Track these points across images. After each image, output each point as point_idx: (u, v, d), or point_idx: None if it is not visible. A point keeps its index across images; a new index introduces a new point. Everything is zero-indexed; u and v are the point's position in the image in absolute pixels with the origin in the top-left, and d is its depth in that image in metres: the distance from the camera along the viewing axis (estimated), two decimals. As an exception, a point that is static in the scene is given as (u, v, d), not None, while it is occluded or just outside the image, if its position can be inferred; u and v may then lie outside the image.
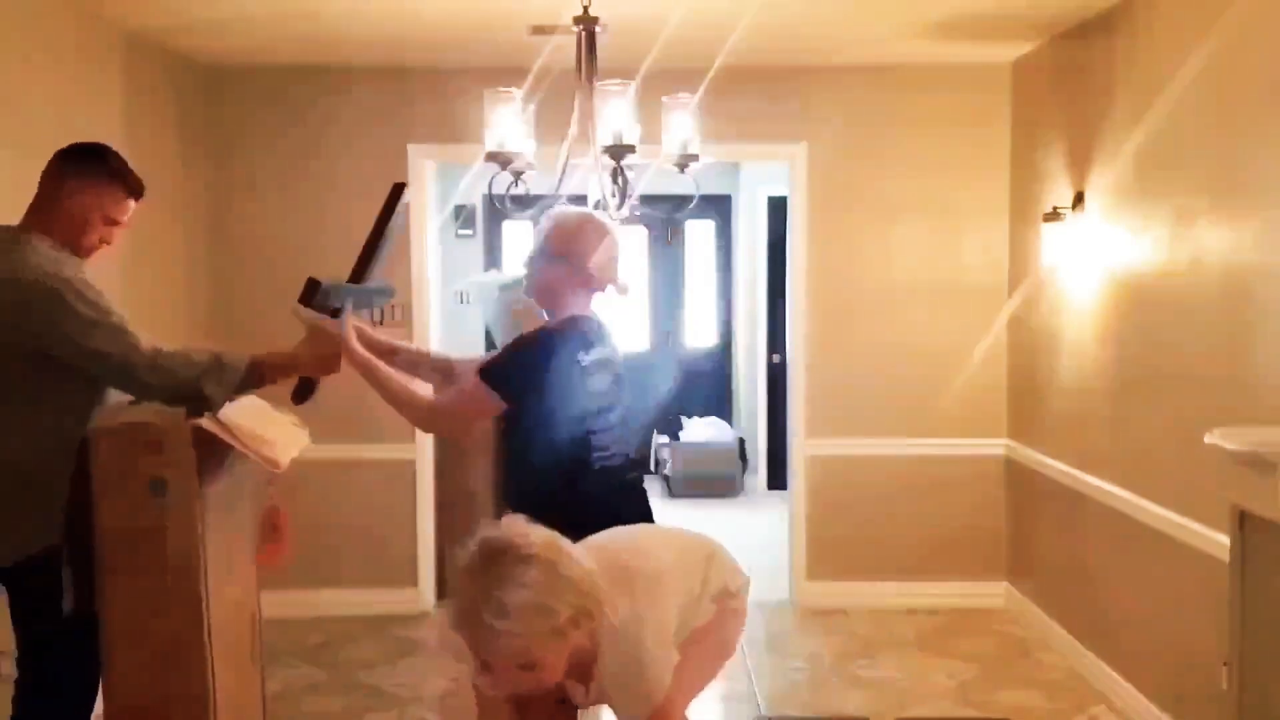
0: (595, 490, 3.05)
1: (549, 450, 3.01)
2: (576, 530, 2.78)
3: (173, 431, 2.61)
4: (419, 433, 5.65)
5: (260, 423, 2.93)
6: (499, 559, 2.03)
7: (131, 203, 3.01)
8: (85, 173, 2.94)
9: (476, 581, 2.03)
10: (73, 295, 2.76)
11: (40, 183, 2.97)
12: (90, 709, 2.94)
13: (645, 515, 3.12)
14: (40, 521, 2.78)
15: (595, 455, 3.04)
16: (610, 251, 3.09)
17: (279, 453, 2.80)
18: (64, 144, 4.18)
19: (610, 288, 3.15)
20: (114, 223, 2.98)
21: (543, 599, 2.02)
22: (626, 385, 3.16)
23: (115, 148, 3.06)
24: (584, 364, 3.01)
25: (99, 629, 2.74)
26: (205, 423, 2.63)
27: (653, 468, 8.96)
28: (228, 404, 2.89)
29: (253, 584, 3.13)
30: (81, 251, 2.95)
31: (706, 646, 2.49)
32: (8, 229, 2.91)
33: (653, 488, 8.49)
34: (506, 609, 1.99)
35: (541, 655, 2.05)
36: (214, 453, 2.70)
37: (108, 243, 3.00)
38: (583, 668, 2.20)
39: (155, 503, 2.59)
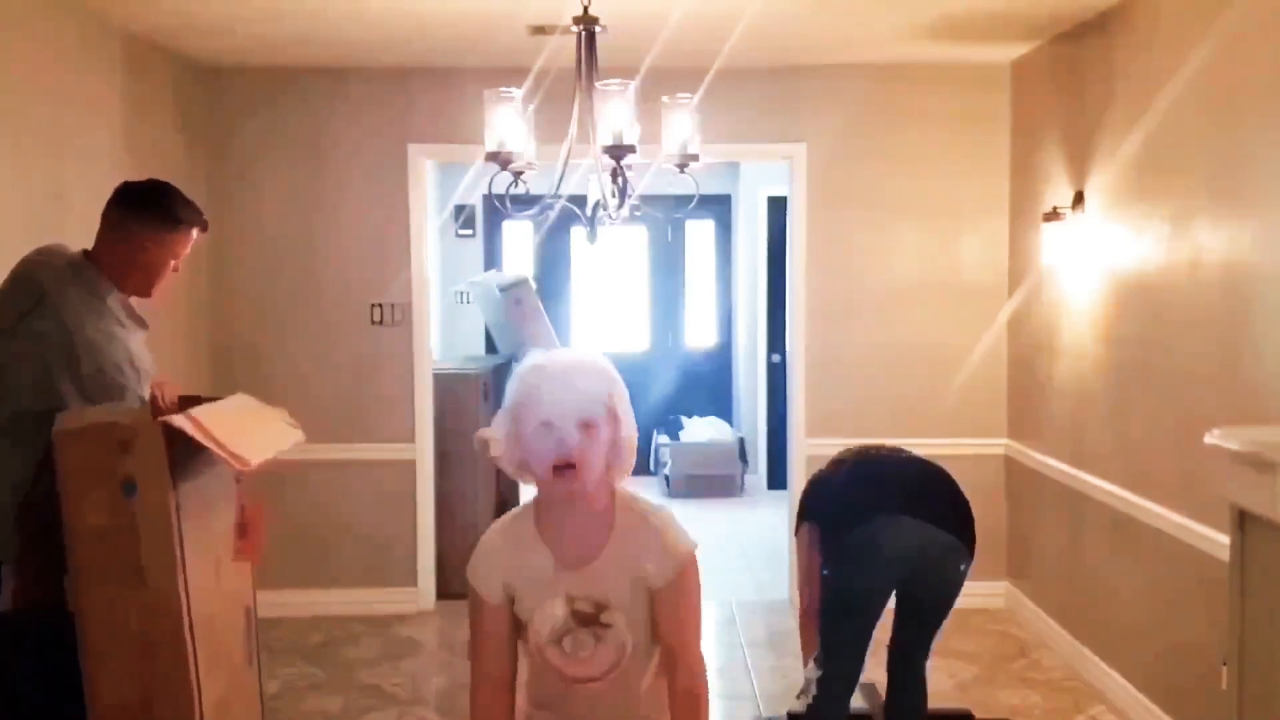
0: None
1: None
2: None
3: (142, 430, 2.51)
4: (419, 432, 5.68)
5: (241, 419, 2.84)
6: None
7: (196, 234, 2.96)
8: (152, 224, 2.86)
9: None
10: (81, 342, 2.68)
11: (104, 228, 2.87)
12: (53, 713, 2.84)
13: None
14: None
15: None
16: None
17: (250, 450, 2.67)
18: (64, 145, 4.21)
19: None
20: (179, 256, 2.95)
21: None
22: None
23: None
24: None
25: (53, 631, 2.65)
26: (175, 419, 2.52)
27: (652, 468, 8.96)
28: (216, 400, 2.85)
29: (245, 583, 3.03)
30: (154, 294, 2.91)
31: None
32: (75, 260, 2.84)
33: (653, 488, 8.65)
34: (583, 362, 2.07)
35: (600, 416, 2.02)
36: (188, 450, 2.59)
37: (176, 271, 2.97)
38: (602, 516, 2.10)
39: (126, 503, 2.50)
